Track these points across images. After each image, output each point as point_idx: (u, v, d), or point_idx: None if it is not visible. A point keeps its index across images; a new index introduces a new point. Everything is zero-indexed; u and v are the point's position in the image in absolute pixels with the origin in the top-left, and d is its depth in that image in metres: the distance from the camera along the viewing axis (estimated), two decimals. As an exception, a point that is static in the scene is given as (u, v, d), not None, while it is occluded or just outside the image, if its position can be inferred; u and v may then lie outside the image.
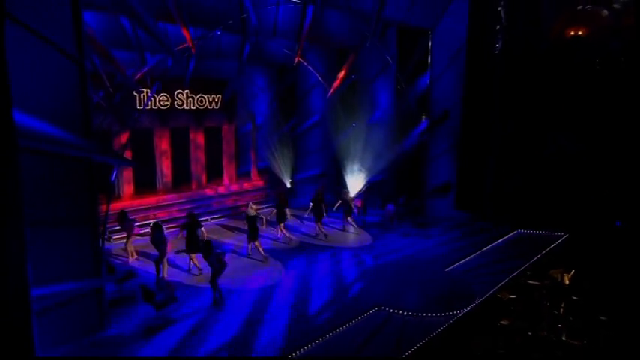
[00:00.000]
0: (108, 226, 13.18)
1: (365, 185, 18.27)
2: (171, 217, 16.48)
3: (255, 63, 19.09)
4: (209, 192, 19.63)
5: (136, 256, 13.16)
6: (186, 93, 18.27)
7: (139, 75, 13.58)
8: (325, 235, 15.44)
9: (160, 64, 13.55)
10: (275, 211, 15.03)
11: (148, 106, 16.66)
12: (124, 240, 13.41)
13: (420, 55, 17.58)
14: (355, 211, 17.19)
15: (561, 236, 14.54)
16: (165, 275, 11.59)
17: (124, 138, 16.52)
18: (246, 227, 13.35)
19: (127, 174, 17.24)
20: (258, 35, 14.36)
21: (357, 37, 16.35)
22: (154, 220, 13.99)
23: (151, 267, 12.00)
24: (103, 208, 9.33)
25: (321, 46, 18.66)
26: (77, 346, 8.24)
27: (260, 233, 13.34)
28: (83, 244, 8.45)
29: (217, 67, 17.86)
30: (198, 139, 19.48)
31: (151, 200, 17.47)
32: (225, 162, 20.65)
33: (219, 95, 19.34)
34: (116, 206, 14.68)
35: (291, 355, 8.06)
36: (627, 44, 14.11)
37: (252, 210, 13.08)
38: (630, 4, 14.02)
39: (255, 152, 21.86)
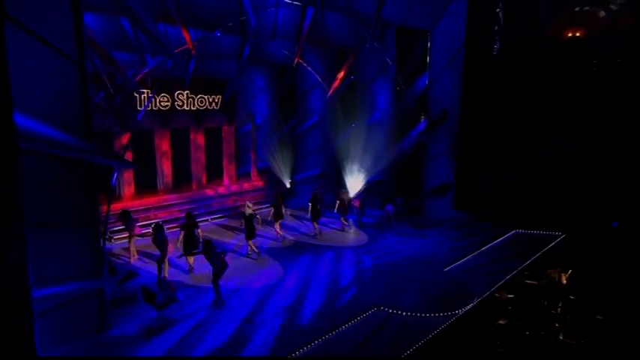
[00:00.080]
0: (109, 226, 13.30)
1: (364, 185, 18.31)
2: (172, 218, 16.55)
3: (255, 64, 19.18)
4: (209, 192, 19.71)
5: (136, 256, 13.23)
6: (187, 94, 18.34)
7: (139, 76, 13.64)
8: (319, 234, 15.60)
9: (160, 65, 13.60)
10: (272, 210, 15.17)
11: (148, 107, 16.72)
12: (126, 240, 13.47)
13: (418, 56, 17.60)
14: (354, 211, 17.26)
15: (559, 236, 14.60)
16: (167, 275, 11.66)
17: (124, 139, 16.60)
18: (243, 227, 13.52)
19: (128, 175, 17.33)
20: (257, 37, 14.42)
21: (357, 38, 16.42)
22: (155, 221, 14.03)
23: (152, 267, 12.05)
24: (104, 208, 9.37)
25: (320, 47, 18.70)
26: (78, 346, 8.26)
27: (258, 232, 13.38)
28: (84, 245, 8.46)
29: (217, 68, 17.93)
30: (199, 139, 19.56)
31: (151, 200, 17.55)
32: (225, 162, 20.72)
33: (220, 96, 19.41)
34: (117, 207, 14.75)
35: (291, 355, 8.10)
36: (625, 45, 14.14)
37: (248, 209, 13.28)
38: (628, 5, 14.05)
39: (255, 152, 21.93)
